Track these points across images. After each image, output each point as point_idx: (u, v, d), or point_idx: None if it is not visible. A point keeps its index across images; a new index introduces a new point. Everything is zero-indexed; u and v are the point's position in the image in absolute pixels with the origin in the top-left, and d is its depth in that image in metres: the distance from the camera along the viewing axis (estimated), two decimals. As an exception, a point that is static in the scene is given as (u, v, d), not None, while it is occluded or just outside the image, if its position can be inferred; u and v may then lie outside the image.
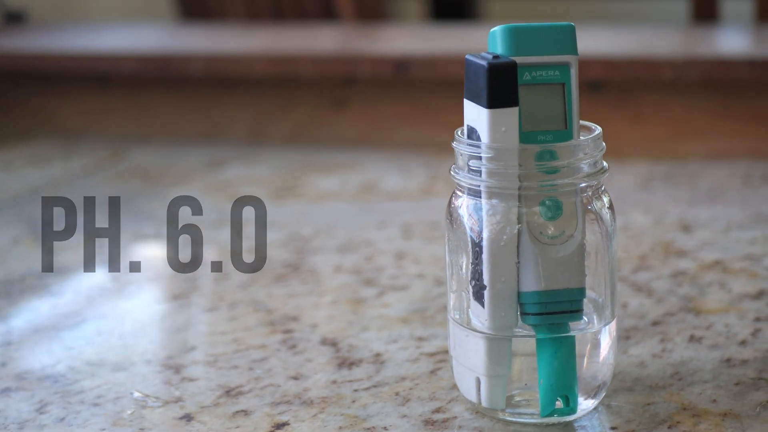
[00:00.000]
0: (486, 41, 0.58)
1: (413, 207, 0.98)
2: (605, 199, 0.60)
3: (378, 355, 0.69)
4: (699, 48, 1.13)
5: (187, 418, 0.62)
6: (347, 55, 1.15)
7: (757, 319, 0.71)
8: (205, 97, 1.22)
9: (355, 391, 0.64)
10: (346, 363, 0.68)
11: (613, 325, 0.60)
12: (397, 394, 0.64)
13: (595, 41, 1.14)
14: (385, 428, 0.60)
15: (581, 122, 0.59)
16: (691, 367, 0.65)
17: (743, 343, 0.68)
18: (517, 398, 0.60)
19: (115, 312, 0.79)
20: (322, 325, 0.74)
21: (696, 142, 1.07)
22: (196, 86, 1.21)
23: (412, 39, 1.28)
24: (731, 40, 1.23)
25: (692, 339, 0.69)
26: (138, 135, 1.25)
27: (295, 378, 0.66)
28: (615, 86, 1.08)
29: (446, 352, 0.68)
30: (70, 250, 0.90)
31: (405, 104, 1.16)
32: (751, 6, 1.40)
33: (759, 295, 0.75)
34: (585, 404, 0.60)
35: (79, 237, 0.93)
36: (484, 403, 0.59)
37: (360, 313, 0.75)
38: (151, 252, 0.91)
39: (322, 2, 1.65)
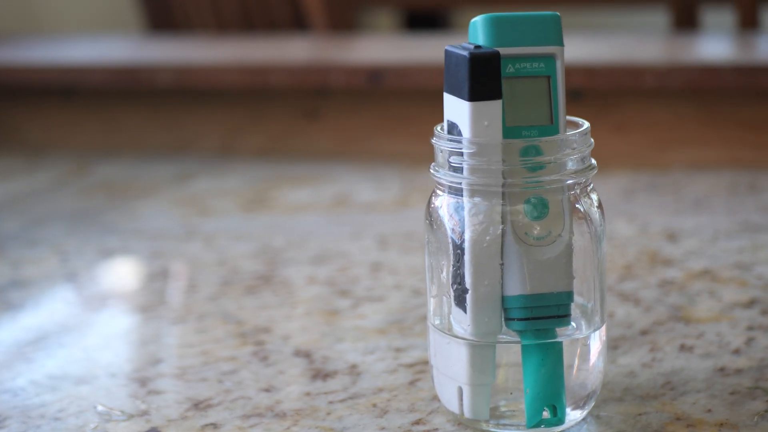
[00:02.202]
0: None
1: (388, 218, 0.95)
2: (594, 198, 0.57)
3: (354, 366, 0.65)
4: (682, 54, 1.10)
5: (153, 432, 0.58)
6: (319, 64, 1.12)
7: (750, 328, 0.68)
8: (174, 110, 1.18)
9: (331, 403, 0.61)
10: (321, 374, 0.64)
11: (602, 330, 0.57)
12: (374, 405, 0.60)
13: (576, 49, 1.12)
14: (362, 441, 0.56)
15: (568, 118, 0.56)
16: (683, 377, 0.62)
17: (737, 352, 0.65)
18: (502, 408, 0.57)
19: (79, 325, 0.75)
20: (295, 337, 0.70)
21: (679, 152, 1.05)
22: (164, 98, 1.18)
23: (386, 48, 1.26)
24: (715, 47, 1.21)
25: (683, 348, 0.66)
26: (104, 149, 1.21)
27: (267, 390, 0.63)
28: (596, 94, 1.05)
29: (425, 362, 0.65)
30: (33, 264, 0.86)
31: (379, 115, 1.13)
32: (732, 17, 1.38)
33: (750, 304, 0.72)
34: (573, 415, 0.57)
35: (42, 250, 0.89)
36: (467, 414, 0.56)
37: (334, 325, 0.72)
38: (117, 265, 0.88)
39: (292, 14, 1.62)
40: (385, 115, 1.13)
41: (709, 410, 0.58)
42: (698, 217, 0.92)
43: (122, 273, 0.85)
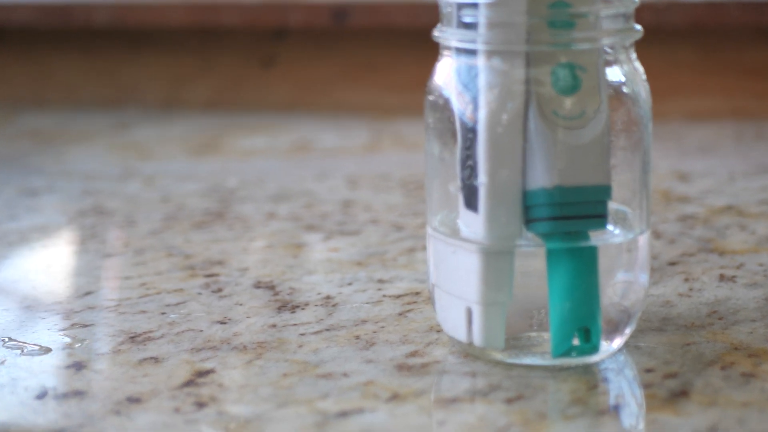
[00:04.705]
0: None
1: (357, 162, 0.84)
2: (639, 69, 0.45)
3: (329, 297, 0.53)
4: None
5: (78, 366, 0.46)
6: (277, 0, 1.00)
7: (799, 257, 0.57)
8: (112, 54, 1.05)
9: (302, 335, 0.49)
10: (288, 306, 0.52)
11: (647, 236, 0.46)
12: (357, 337, 0.48)
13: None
14: (345, 374, 0.44)
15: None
16: (731, 306, 0.51)
17: (788, 281, 0.54)
18: (522, 334, 0.45)
19: (-10, 260, 0.62)
20: (255, 269, 0.58)
21: (677, 102, 0.94)
22: (101, 40, 1.05)
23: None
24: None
25: (723, 278, 0.55)
26: (32, 98, 1.07)
27: (222, 323, 0.50)
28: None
29: (416, 293, 0.54)
30: (-59, 204, 0.74)
31: (344, 62, 1.01)
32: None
33: (791, 236, 0.62)
34: (606, 344, 0.45)
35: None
36: (477, 342, 0.44)
37: (302, 258, 0.60)
38: (41, 203, 0.75)
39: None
40: (350, 62, 1.01)
41: (772, 340, 0.47)
42: (707, 160, 0.81)
43: (47, 210, 0.72)
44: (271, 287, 0.55)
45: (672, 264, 0.57)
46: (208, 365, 0.46)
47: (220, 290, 0.55)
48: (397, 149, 0.87)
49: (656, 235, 0.62)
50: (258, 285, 0.55)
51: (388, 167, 0.81)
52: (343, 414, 0.41)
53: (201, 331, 0.49)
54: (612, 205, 0.45)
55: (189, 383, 0.44)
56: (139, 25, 1.02)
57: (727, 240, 0.61)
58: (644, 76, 0.45)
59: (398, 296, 0.53)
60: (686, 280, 0.55)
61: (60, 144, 0.92)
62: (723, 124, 0.92)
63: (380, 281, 0.56)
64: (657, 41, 0.95)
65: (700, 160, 0.81)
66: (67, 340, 0.49)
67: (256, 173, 0.80)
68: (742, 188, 0.72)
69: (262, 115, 1.00)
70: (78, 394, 0.43)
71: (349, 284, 0.55)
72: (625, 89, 0.44)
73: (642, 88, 0.45)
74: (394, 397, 0.42)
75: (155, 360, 0.46)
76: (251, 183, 0.77)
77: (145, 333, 0.49)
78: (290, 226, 0.66)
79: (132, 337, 0.49)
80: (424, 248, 0.58)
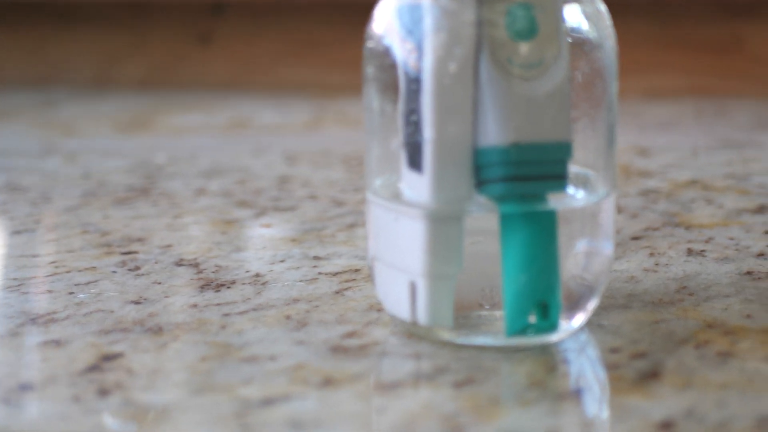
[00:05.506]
0: None
1: (297, 138, 0.78)
2: (603, 11, 0.41)
3: (258, 275, 0.48)
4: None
5: (-35, 351, 0.40)
6: (214, -28, 0.95)
7: (772, 230, 0.53)
8: (39, 29, 0.99)
9: (226, 315, 0.43)
10: (212, 285, 0.47)
11: (612, 200, 0.41)
12: (288, 317, 0.43)
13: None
14: (271, 357, 0.39)
15: None
16: (701, 281, 0.46)
17: (762, 255, 0.49)
18: (472, 311, 0.40)
19: None
20: (178, 246, 0.53)
21: (632, 80, 0.90)
22: (27, 15, 0.99)
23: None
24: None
25: (691, 252, 0.50)
26: (-48, 76, 1.01)
27: (137, 302, 0.45)
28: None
29: (355, 271, 0.48)
30: None
31: (284, 38, 0.96)
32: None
33: (761, 210, 0.57)
34: (567, 321, 0.40)
35: None
36: (422, 320, 0.39)
37: (231, 234, 0.55)
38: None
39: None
40: (292, 38, 0.95)
41: (749, 315, 0.42)
42: (669, 136, 0.77)
43: (-45, 187, 0.66)
44: (194, 265, 0.50)
45: (635, 238, 0.52)
46: (116, 348, 0.40)
47: (137, 268, 0.49)
48: (340, 127, 0.82)
49: (617, 209, 0.57)
50: (180, 263, 0.50)
51: (329, 144, 0.75)
52: (268, 401, 0.36)
53: (112, 311, 0.44)
54: (573, 168, 0.40)
55: (93, 368, 0.38)
56: (67, -3, 0.96)
57: (694, 213, 0.57)
58: (609, 21, 0.40)
59: (335, 274, 0.48)
60: (651, 254, 0.50)
61: (-22, 122, 0.85)
62: (682, 101, 0.87)
63: (316, 258, 0.50)
64: (613, 15, 0.90)
65: (661, 135, 0.77)
66: (-41, 322, 0.43)
67: (188, 150, 0.74)
68: (706, 162, 0.68)
69: (199, 94, 0.94)
70: (-37, 381, 0.38)
71: (282, 261, 0.50)
72: (587, 34, 0.40)
73: (607, 34, 0.40)
74: (327, 383, 0.37)
75: (57, 343, 0.41)
76: (182, 159, 0.71)
77: (48, 314, 0.44)
78: (220, 202, 0.61)
79: (33, 319, 0.43)
80: (365, 223, 0.53)
